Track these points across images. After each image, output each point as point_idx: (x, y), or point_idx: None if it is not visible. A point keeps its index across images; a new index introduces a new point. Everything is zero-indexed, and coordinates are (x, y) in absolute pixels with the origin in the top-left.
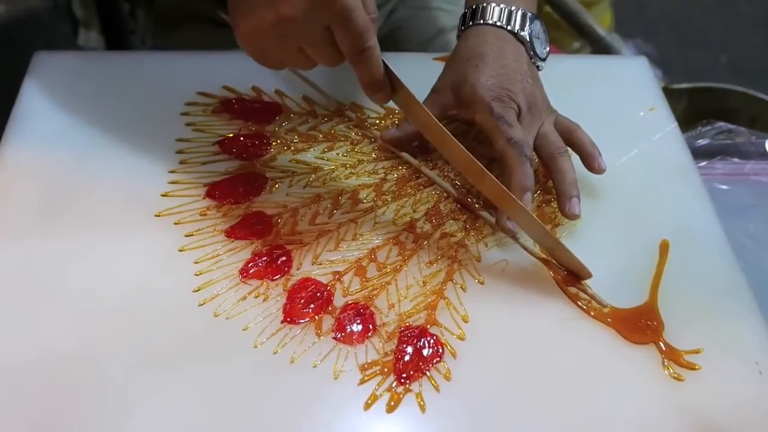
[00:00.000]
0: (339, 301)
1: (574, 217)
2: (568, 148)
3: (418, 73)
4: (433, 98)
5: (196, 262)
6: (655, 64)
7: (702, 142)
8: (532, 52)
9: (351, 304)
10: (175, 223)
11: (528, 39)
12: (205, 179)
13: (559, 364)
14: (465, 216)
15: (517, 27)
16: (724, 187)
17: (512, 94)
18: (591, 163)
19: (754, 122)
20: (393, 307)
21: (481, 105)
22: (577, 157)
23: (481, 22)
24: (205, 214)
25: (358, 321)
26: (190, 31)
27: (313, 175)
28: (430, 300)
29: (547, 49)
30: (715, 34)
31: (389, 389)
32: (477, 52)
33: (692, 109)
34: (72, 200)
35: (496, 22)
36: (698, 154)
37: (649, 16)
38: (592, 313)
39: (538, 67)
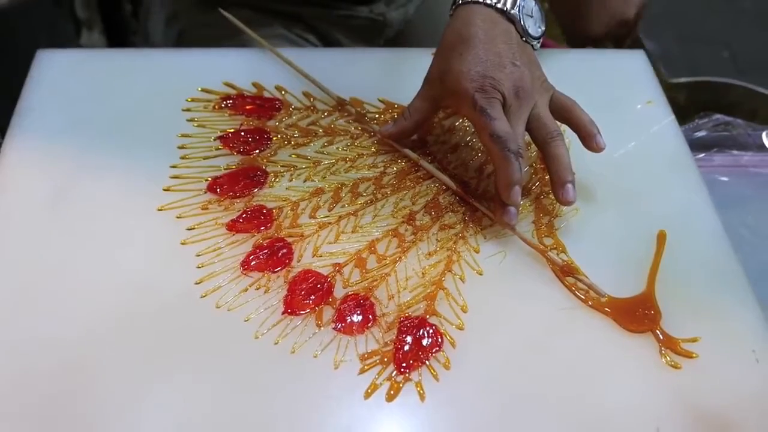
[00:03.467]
0: (339, 292)
1: (568, 203)
2: (565, 130)
3: None
4: (425, 90)
5: (198, 255)
6: (657, 60)
7: (699, 134)
8: (522, 31)
9: (351, 295)
10: (177, 217)
11: (518, 18)
12: (207, 174)
13: (557, 353)
14: (464, 208)
15: (507, 5)
16: (722, 178)
17: (496, 83)
18: (589, 142)
19: (754, 115)
20: (393, 297)
21: (465, 98)
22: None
23: (470, 0)
24: (207, 208)
25: (358, 312)
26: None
27: (314, 169)
28: (429, 291)
29: (542, 28)
30: (716, 30)
31: (389, 378)
32: (462, 37)
33: (692, 104)
34: (75, 195)
35: (485, 0)
36: (696, 146)
37: (650, 13)
38: (589, 303)
39: (532, 46)
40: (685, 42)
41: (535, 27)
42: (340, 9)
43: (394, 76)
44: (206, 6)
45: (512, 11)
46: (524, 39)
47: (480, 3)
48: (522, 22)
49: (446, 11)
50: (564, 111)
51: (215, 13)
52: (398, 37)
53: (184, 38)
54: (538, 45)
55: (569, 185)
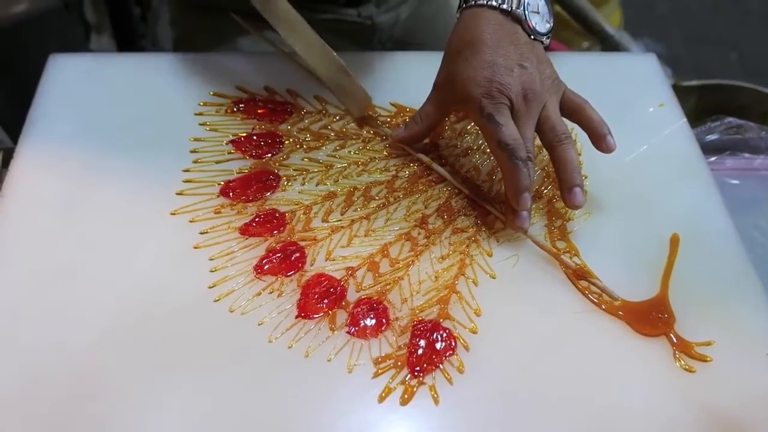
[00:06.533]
0: (352, 296)
1: (576, 207)
2: (573, 128)
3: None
4: (434, 96)
5: (211, 259)
6: (664, 62)
7: (711, 137)
8: (529, 29)
9: (364, 298)
10: (190, 221)
11: (524, 17)
12: (219, 178)
13: (571, 357)
14: (476, 212)
15: (513, 5)
16: (734, 181)
17: (503, 87)
18: (599, 143)
19: (765, 118)
20: (406, 301)
21: (472, 104)
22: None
23: (473, 3)
24: (220, 212)
25: (372, 315)
26: (210, 20)
27: (326, 173)
28: (442, 294)
29: (550, 24)
30: (724, 32)
31: (403, 382)
32: (468, 42)
33: (702, 106)
34: (88, 199)
35: (490, 2)
36: (708, 149)
37: (658, 15)
38: (603, 306)
39: (542, 42)
40: (692, 44)
41: (542, 23)
42: (326, 13)
43: (405, 80)
44: (198, 13)
45: (517, 10)
46: (532, 37)
47: (484, 6)
48: (528, 21)
49: (443, 16)
50: (575, 110)
51: (207, 20)
52: (394, 43)
53: (179, 44)
54: (548, 41)
55: (577, 189)
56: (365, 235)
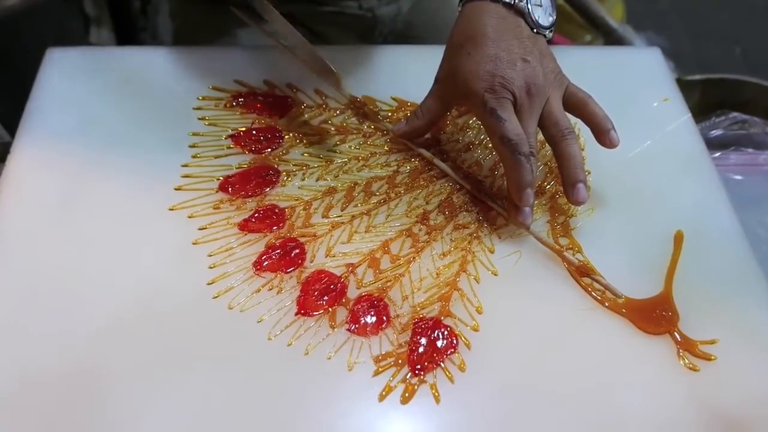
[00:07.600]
0: (353, 293)
1: (579, 203)
2: (576, 123)
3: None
4: (436, 90)
5: (210, 255)
6: (667, 56)
7: (716, 132)
8: (532, 22)
9: (365, 295)
10: (189, 217)
11: (527, 10)
12: (218, 173)
13: (574, 355)
14: (478, 207)
15: None
16: (738, 177)
17: (506, 81)
18: (602, 138)
19: None
20: (407, 298)
21: (475, 98)
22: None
23: None
24: (219, 208)
25: (372, 313)
26: (210, 13)
27: (326, 168)
28: (443, 291)
29: (553, 16)
30: (728, 26)
31: (403, 380)
32: (470, 36)
33: (705, 101)
34: (85, 194)
35: None
36: (712, 144)
37: (660, 9)
38: (606, 304)
39: (544, 35)
40: (695, 37)
41: (545, 16)
42: (327, 5)
43: (407, 74)
44: (198, 6)
45: (520, 3)
46: (535, 30)
47: None
48: (531, 14)
49: (444, 9)
50: (578, 105)
51: (207, 13)
52: (395, 36)
53: (179, 37)
54: (551, 34)
55: (580, 185)
56: (366, 231)
